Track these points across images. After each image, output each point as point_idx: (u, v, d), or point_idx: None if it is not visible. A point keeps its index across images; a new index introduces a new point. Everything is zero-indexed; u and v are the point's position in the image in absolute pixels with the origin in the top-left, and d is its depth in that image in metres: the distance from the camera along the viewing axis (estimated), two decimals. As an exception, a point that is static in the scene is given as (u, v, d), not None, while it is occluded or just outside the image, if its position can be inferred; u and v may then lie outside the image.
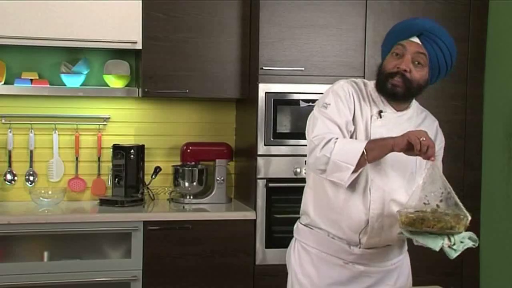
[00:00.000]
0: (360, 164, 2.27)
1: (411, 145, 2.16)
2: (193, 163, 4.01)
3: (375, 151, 2.27)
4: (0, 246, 3.49)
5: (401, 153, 2.28)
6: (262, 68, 3.65)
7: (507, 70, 3.79)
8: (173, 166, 4.03)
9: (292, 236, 2.64)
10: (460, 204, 2.18)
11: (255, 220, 3.67)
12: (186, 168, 3.98)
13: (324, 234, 2.47)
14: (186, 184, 3.98)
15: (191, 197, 4.00)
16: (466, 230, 2.19)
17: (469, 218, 2.15)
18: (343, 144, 2.29)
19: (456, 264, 3.71)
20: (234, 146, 4.17)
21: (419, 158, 2.31)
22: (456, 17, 3.84)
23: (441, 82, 3.84)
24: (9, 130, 3.90)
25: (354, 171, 2.28)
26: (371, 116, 2.40)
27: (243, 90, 3.86)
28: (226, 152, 4.06)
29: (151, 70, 3.74)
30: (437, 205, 2.21)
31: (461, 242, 2.16)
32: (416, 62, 2.33)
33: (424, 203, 2.22)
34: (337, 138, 2.31)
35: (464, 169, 3.88)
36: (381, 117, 2.40)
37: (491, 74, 3.90)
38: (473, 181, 3.90)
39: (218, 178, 3.99)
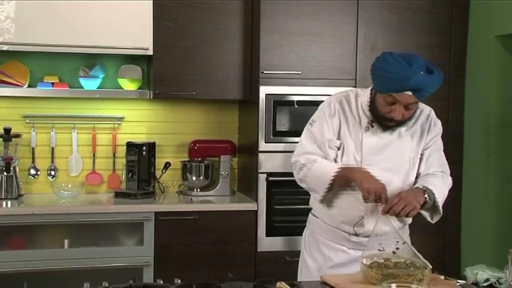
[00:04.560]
0: (330, 189, 2.47)
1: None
2: (199, 159, 4.07)
3: (342, 180, 2.45)
4: (24, 235, 3.60)
5: (394, 153, 2.50)
6: (262, 72, 3.74)
7: (486, 74, 3.87)
8: (181, 161, 4.10)
9: (293, 226, 2.82)
10: (417, 252, 2.26)
11: (256, 211, 3.76)
12: (193, 164, 4.05)
13: (327, 224, 2.63)
14: (194, 178, 4.06)
15: (198, 190, 4.07)
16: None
17: (430, 267, 2.16)
18: (314, 172, 2.48)
19: (439, 252, 3.91)
20: (237, 143, 4.24)
21: (411, 157, 2.51)
22: (439, 26, 3.94)
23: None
24: (33, 129, 3.98)
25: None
26: (365, 127, 2.51)
27: (246, 92, 3.94)
28: (230, 149, 4.13)
29: (162, 74, 3.83)
30: (394, 252, 2.28)
31: None
32: (408, 107, 2.40)
33: (379, 250, 2.29)
34: (314, 162, 2.48)
35: (446, 165, 4.04)
36: (372, 127, 2.50)
37: (471, 77, 3.98)
38: (455, 176, 3.73)
39: (222, 173, 4.07)
